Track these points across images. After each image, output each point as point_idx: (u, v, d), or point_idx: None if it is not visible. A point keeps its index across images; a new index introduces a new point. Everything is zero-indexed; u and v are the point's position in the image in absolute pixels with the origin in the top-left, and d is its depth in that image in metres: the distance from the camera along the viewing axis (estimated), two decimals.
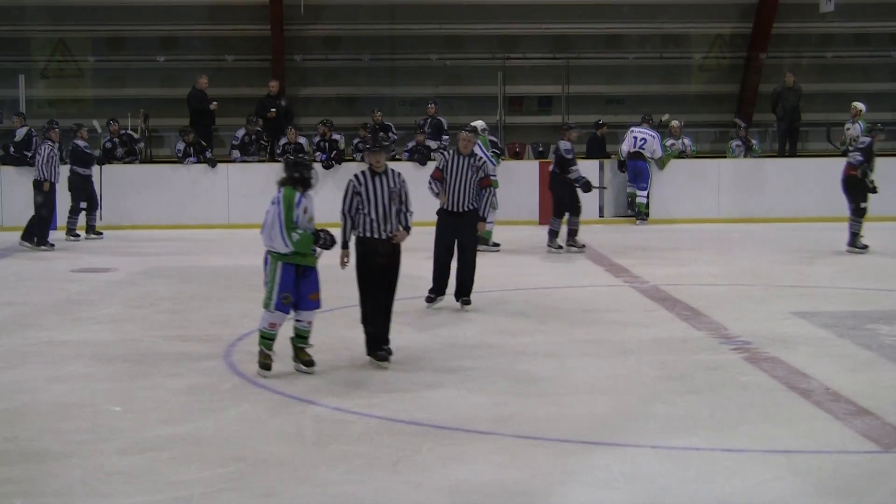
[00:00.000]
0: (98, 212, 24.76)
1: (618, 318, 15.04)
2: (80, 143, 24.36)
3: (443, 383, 11.54)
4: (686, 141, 28.19)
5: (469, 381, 11.61)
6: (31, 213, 23.15)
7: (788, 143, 28.35)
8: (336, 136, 26.95)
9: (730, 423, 10.09)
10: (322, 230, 11.72)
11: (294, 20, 30.16)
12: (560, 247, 21.59)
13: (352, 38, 31.51)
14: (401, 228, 12.53)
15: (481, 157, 17.08)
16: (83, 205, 24.50)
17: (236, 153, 27.43)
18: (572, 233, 21.56)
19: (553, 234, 21.79)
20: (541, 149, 28.87)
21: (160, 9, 30.53)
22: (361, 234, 12.36)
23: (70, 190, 24.28)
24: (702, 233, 24.74)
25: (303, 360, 11.93)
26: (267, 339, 11.76)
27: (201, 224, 25.82)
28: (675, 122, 28.06)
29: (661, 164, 26.74)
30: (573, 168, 21.19)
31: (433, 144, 27.33)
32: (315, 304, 11.83)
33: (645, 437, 9.70)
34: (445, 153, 16.39)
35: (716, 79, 32.17)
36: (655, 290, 17.02)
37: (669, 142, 27.66)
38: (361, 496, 8.21)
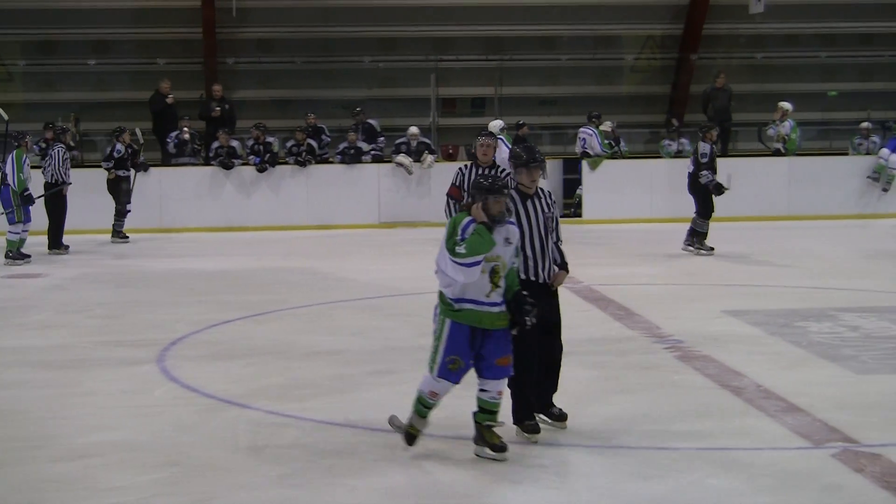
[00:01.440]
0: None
1: None
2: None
3: (379, 384, 11.56)
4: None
5: (405, 382, 11.59)
6: None
7: (720, 142, 28.50)
8: (270, 139, 26.92)
9: (664, 421, 10.15)
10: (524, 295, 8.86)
11: (226, 23, 30.13)
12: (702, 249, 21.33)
13: (285, 41, 31.53)
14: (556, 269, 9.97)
15: (503, 169, 13.18)
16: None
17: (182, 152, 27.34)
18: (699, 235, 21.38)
19: (699, 236, 21.46)
20: (473, 150, 28.88)
21: (91, 12, 30.38)
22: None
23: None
24: (635, 233, 24.88)
25: (490, 442, 8.92)
26: (424, 405, 9.13)
27: (133, 228, 25.56)
28: (608, 124, 28.20)
29: (593, 164, 26.85)
30: (703, 172, 20.91)
31: (365, 147, 27.31)
32: (505, 371, 8.81)
33: (580, 437, 9.74)
34: (463, 166, 13.16)
35: (648, 80, 32.37)
36: (589, 290, 17.08)
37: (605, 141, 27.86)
38: (297, 500, 8.20)
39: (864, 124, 29.16)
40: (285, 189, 25.96)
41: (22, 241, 21.39)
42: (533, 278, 9.57)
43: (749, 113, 30.03)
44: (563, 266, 10.07)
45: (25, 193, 21.41)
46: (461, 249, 8.63)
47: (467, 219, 8.72)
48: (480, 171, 12.72)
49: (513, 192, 9.38)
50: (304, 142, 26.42)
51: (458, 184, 13.58)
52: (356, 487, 8.38)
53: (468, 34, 31.53)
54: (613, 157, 27.82)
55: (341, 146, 27.45)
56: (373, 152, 27.40)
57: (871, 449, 9.25)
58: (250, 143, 26.87)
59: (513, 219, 8.94)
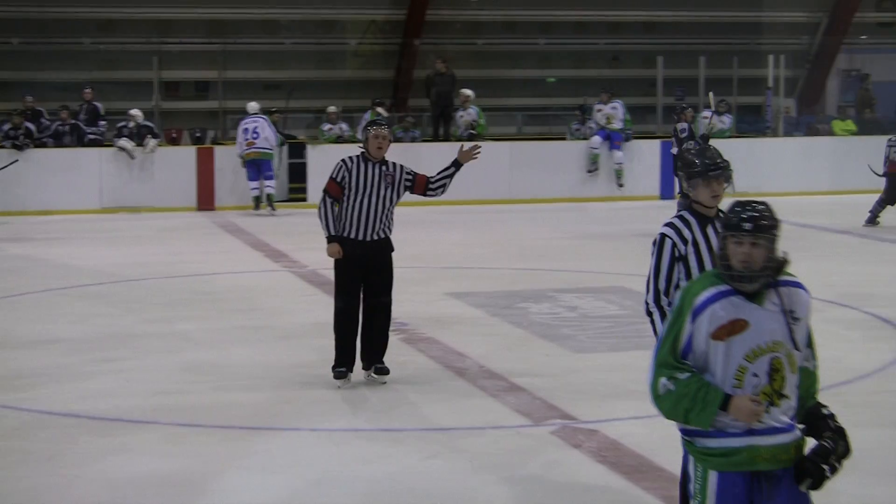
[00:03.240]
0: None
1: (278, 304, 15.10)
2: None
3: (101, 373, 11.39)
4: (343, 126, 28.36)
5: (128, 370, 11.49)
6: None
7: (442, 127, 28.76)
8: None
9: (388, 403, 10.26)
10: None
11: None
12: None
13: None
14: None
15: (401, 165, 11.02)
16: None
17: None
18: None
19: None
20: (198, 134, 28.73)
21: None
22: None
23: None
24: (410, 219, 24.85)
25: None
26: None
27: None
28: (332, 108, 28.22)
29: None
30: (688, 145, 20.81)
31: (89, 130, 26.87)
32: None
33: (305, 420, 9.78)
34: (347, 159, 10.59)
35: (371, 64, 32.46)
36: (314, 274, 17.08)
37: (326, 126, 27.88)
38: (15, 492, 8.05)
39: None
40: (2, 173, 25.26)
41: None
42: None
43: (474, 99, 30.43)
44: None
45: None
46: (665, 396, 5.06)
47: (708, 295, 5.03)
48: (374, 168, 10.52)
49: (685, 215, 6.84)
50: (22, 125, 25.75)
51: (339, 179, 10.55)
52: (77, 478, 8.30)
53: (190, 17, 31.22)
54: (337, 141, 27.84)
55: (53, 125, 26.83)
56: (92, 136, 26.95)
57: (587, 425, 9.49)
58: None
59: (794, 277, 5.19)
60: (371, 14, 31.92)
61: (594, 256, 19.27)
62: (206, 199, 25.75)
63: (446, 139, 28.26)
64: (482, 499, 7.93)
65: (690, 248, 6.64)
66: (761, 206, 5.07)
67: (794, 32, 34.25)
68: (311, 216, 24.07)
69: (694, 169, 6.70)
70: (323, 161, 26.57)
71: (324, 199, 10.66)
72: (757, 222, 4.95)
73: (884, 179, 22.81)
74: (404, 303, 14.48)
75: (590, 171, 27.76)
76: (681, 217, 6.78)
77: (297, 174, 27.07)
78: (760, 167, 27.86)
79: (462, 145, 10.77)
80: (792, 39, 33.82)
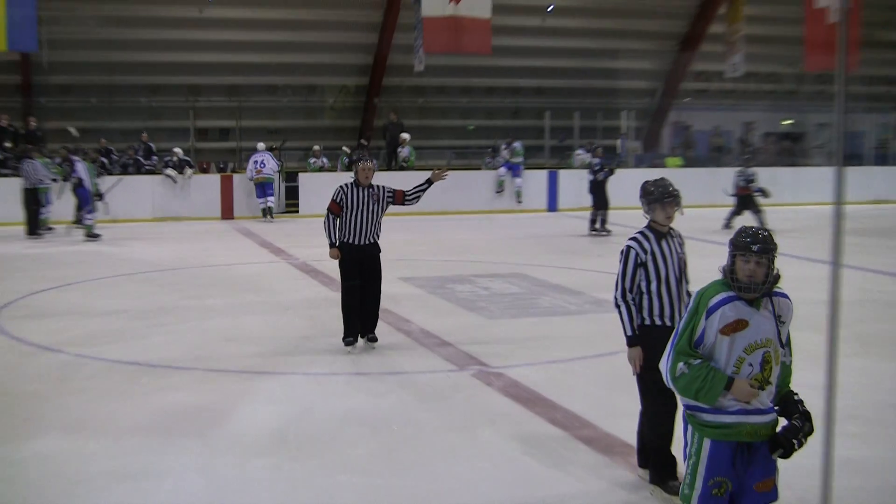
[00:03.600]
0: None
1: (278, 285, 15.05)
2: None
3: (153, 334, 11.34)
4: (324, 160, 28.27)
5: (172, 332, 11.45)
6: None
7: (394, 160, 28.85)
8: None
9: (360, 355, 10.26)
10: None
11: (39, 71, 28.99)
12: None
13: (85, 87, 30.16)
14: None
15: (383, 186, 10.63)
16: None
17: None
18: None
19: (603, 222, 22.36)
20: (221, 165, 28.83)
21: None
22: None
23: None
24: None
25: None
26: None
27: None
28: (316, 147, 28.13)
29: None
30: (601, 174, 22.34)
31: (145, 163, 26.71)
32: (770, 497, 5.01)
33: (298, 367, 9.78)
34: (344, 185, 10.40)
35: (343, 116, 32.34)
36: (304, 264, 17.07)
37: (312, 160, 27.82)
38: (95, 416, 8.06)
39: (502, 146, 29.83)
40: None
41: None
42: (669, 323, 6.60)
43: (416, 140, 30.47)
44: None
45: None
46: (680, 377, 4.97)
47: (719, 298, 4.98)
48: (363, 192, 10.32)
49: (645, 231, 6.74)
50: (98, 159, 25.43)
51: (338, 200, 10.31)
52: (142, 406, 8.30)
53: (215, 83, 30.97)
54: (321, 170, 27.78)
55: (122, 159, 26.71)
56: (147, 166, 26.80)
57: (496, 370, 9.52)
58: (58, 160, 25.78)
59: (782, 289, 5.05)
60: (343, 80, 31.83)
61: (501, 251, 19.30)
62: (227, 211, 25.64)
63: (400, 168, 28.38)
64: (424, 419, 7.97)
65: (649, 257, 6.58)
66: (765, 233, 4.94)
67: (640, 96, 34.47)
68: (303, 223, 24.12)
69: (652, 196, 6.73)
70: (310, 184, 26.67)
71: (327, 216, 10.41)
72: (763, 245, 4.86)
73: (734, 198, 23.18)
74: None
75: (497, 192, 27.84)
76: (642, 233, 6.66)
77: (292, 193, 27.00)
78: (618, 190, 28.03)
79: (435, 169, 10.60)
80: (638, 101, 34.03)
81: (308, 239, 21.22)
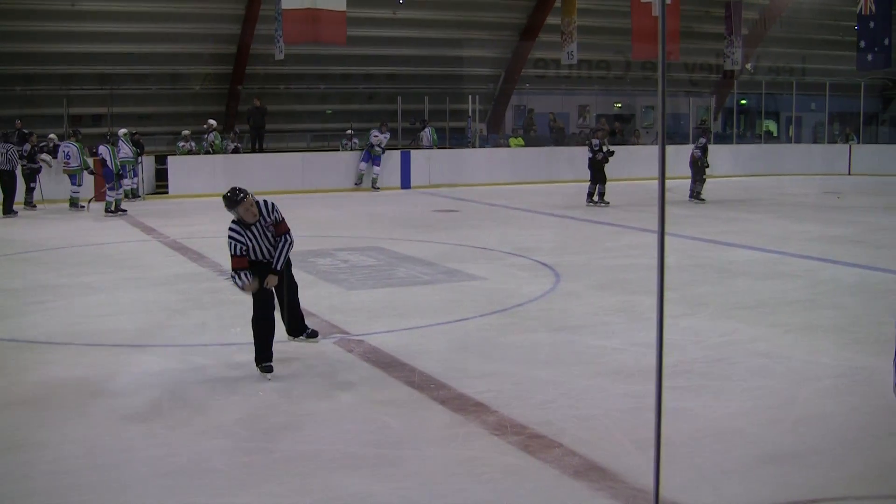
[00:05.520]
0: None
1: (150, 261, 14.78)
2: None
3: (32, 312, 11.02)
4: (192, 144, 27.78)
5: (51, 309, 11.15)
6: None
7: (258, 142, 28.58)
8: None
9: (225, 327, 10.16)
10: None
11: None
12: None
13: None
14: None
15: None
16: None
17: None
18: None
19: (602, 195, 22.80)
20: (94, 150, 28.01)
21: None
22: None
23: None
24: (208, 202, 24.44)
25: None
26: None
27: None
28: (185, 132, 27.63)
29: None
30: (602, 153, 22.98)
31: (20, 148, 25.74)
32: None
33: (171, 339, 9.63)
34: (233, 233, 8.52)
35: (210, 102, 31.76)
36: (174, 242, 16.77)
37: (181, 143, 27.36)
38: None
39: (349, 131, 29.68)
40: None
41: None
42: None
43: (277, 124, 30.23)
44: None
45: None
46: None
47: None
48: (253, 228, 8.44)
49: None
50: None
51: (241, 253, 8.47)
52: (15, 383, 8.05)
53: (87, 72, 29.92)
54: (189, 153, 27.29)
55: None
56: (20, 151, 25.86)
57: (356, 337, 9.53)
58: None
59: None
60: (208, 69, 31.26)
61: (359, 227, 19.29)
62: (101, 195, 24.96)
63: (261, 150, 28.10)
64: (291, 386, 7.93)
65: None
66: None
67: (484, 82, 34.74)
68: (172, 203, 23.68)
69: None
70: (178, 165, 26.14)
71: (235, 276, 8.44)
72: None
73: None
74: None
75: (356, 184, 27.61)
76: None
77: (161, 175, 26.45)
78: (465, 168, 28.29)
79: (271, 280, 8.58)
80: (483, 86, 34.28)
81: (177, 218, 20.90)
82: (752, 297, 11.50)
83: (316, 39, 24.75)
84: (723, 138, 35.29)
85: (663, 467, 5.04)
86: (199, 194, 25.08)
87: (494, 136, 33.71)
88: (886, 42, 28.46)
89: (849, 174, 31.90)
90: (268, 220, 8.52)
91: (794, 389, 7.91)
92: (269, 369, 8.33)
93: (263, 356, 8.42)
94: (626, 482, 5.87)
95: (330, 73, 32.49)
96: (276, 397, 7.69)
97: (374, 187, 27.48)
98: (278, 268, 8.58)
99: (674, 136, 32.47)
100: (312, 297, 11.59)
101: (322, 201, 24.61)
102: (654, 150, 27.68)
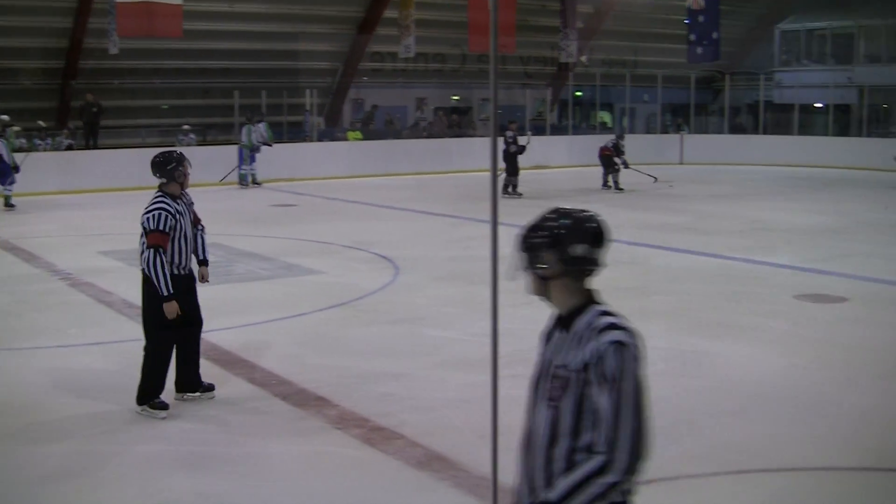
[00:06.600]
0: None
1: None
2: None
3: None
4: (23, 141, 26.79)
5: None
6: None
7: (92, 139, 27.83)
8: None
9: (63, 327, 9.86)
10: None
11: None
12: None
13: None
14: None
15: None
16: None
17: None
18: None
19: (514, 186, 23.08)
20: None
21: None
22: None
23: None
24: (41, 201, 23.58)
25: None
26: None
27: None
28: (16, 128, 26.60)
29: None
30: (514, 147, 23.09)
31: None
32: None
33: (4, 342, 9.31)
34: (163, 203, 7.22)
35: (42, 98, 30.64)
36: (6, 242, 16.12)
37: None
38: None
39: (185, 127, 29.15)
40: None
41: None
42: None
43: (112, 120, 29.48)
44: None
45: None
46: None
47: None
48: (182, 202, 7.27)
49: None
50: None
51: (168, 228, 7.06)
52: None
53: None
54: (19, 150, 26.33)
55: None
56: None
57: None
58: None
59: None
60: (39, 64, 30.20)
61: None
62: None
63: (95, 147, 27.35)
64: (130, 386, 7.74)
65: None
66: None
67: (322, 75, 34.51)
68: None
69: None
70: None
71: (157, 257, 7.02)
72: None
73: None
74: (68, 259, 13.98)
75: (221, 180, 26.77)
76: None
77: None
78: (303, 162, 28.07)
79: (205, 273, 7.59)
80: (321, 80, 34.08)
81: (7, 217, 20.16)
82: None
83: (151, 33, 24.22)
84: (559, 129, 35.93)
85: (504, 454, 5.09)
86: (30, 193, 24.29)
87: (332, 130, 33.58)
88: (715, 35, 29.39)
89: (681, 163, 32.86)
90: (188, 197, 7.46)
91: None
92: (167, 406, 7.15)
93: (158, 390, 7.19)
94: (468, 471, 5.93)
95: (165, 68, 31.82)
96: (115, 398, 7.52)
97: (250, 182, 26.55)
98: (207, 258, 7.61)
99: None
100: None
101: (204, 196, 24.00)
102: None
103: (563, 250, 3.12)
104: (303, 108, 31.90)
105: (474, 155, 28.97)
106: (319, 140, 31.05)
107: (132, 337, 9.43)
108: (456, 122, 34.88)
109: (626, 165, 24.40)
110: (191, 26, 26.23)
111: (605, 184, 24.34)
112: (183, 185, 7.32)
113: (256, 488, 5.80)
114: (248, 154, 26.10)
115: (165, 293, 6.98)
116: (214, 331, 9.55)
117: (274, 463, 6.21)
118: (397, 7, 32.00)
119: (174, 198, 7.23)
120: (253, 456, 6.31)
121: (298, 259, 13.90)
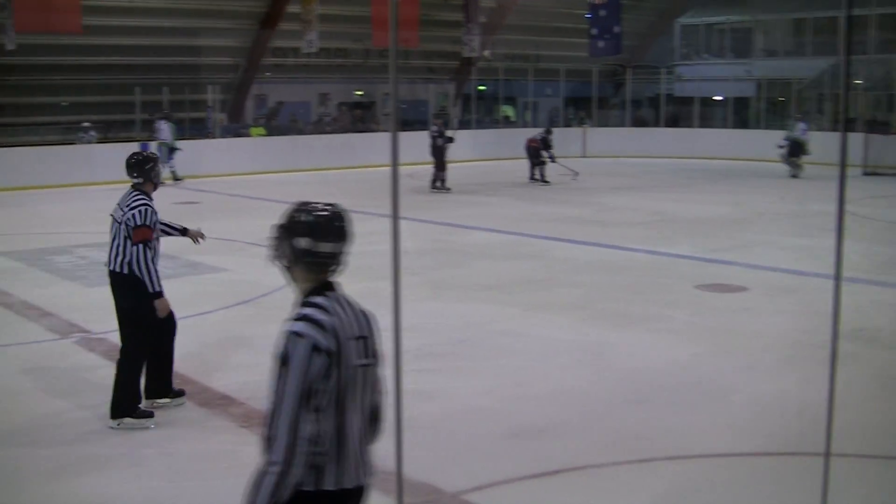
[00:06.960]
0: None
1: None
2: None
3: None
4: None
5: None
6: None
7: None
8: None
9: None
10: None
11: None
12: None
13: None
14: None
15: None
16: None
17: None
18: None
19: (443, 181, 22.99)
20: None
21: None
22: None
23: None
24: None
25: None
26: None
27: None
28: None
29: None
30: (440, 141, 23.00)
31: None
32: None
33: None
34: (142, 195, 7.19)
35: None
36: None
37: None
38: None
39: (85, 124, 28.57)
40: None
41: None
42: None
43: (8, 117, 28.83)
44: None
45: None
46: None
47: None
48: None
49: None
50: None
51: (152, 223, 6.97)
52: None
53: None
54: None
55: None
56: None
57: (98, 336, 9.21)
58: None
59: None
60: None
61: (97, 222, 18.36)
62: None
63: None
64: (31, 388, 7.59)
65: None
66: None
67: (224, 71, 34.10)
68: None
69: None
70: None
71: (145, 253, 6.92)
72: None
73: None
74: None
75: (178, 181, 26.24)
76: None
77: None
78: (204, 159, 27.72)
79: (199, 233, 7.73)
80: (223, 76, 33.69)
81: None
82: (493, 279, 11.82)
83: (49, 28, 23.73)
84: (462, 123, 36.07)
85: (411, 449, 5.09)
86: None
87: (235, 126, 33.25)
88: (616, 30, 29.79)
89: (583, 156, 33.19)
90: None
91: (535, 366, 8.18)
92: (151, 414, 6.91)
93: (138, 399, 6.93)
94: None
95: (64, 64, 31.17)
96: (17, 401, 7.37)
97: (177, 178, 26.01)
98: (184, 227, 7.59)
99: (413, 123, 32.88)
100: (51, 295, 11.16)
101: (58, 196, 23.55)
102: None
103: (290, 243, 3.37)
104: (205, 104, 31.52)
105: (377, 150, 28.88)
106: (222, 136, 30.72)
107: (34, 338, 9.27)
108: (359, 118, 34.78)
109: (553, 159, 24.61)
110: (90, 21, 25.76)
111: (531, 177, 24.50)
112: (156, 186, 7.26)
113: (158, 491, 5.72)
114: (167, 151, 25.68)
115: (158, 289, 6.91)
116: (115, 331, 9.38)
117: (177, 463, 6.16)
118: (300, 2, 31.79)
119: (149, 197, 7.15)
120: (156, 457, 6.22)
121: (202, 257, 13.68)
